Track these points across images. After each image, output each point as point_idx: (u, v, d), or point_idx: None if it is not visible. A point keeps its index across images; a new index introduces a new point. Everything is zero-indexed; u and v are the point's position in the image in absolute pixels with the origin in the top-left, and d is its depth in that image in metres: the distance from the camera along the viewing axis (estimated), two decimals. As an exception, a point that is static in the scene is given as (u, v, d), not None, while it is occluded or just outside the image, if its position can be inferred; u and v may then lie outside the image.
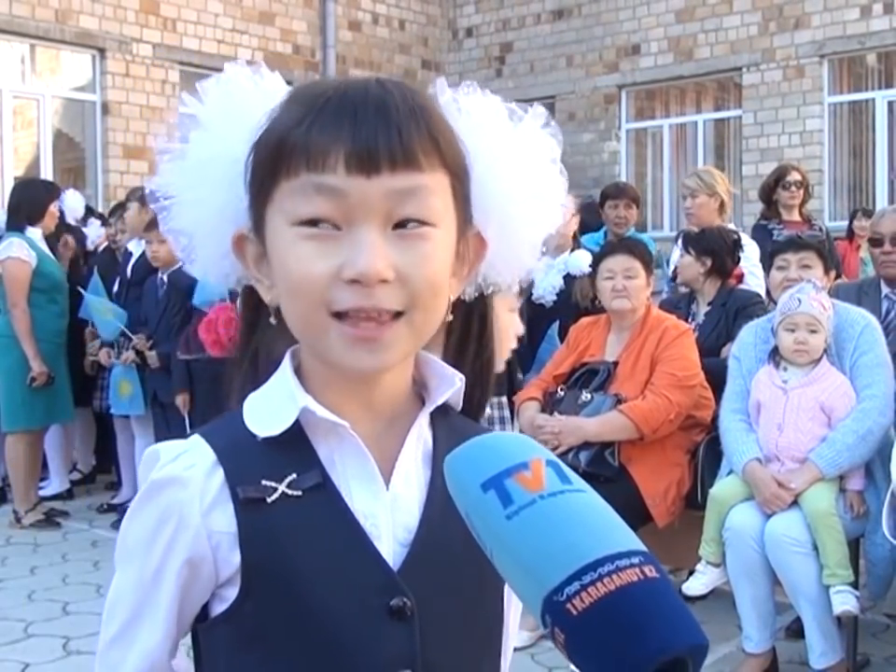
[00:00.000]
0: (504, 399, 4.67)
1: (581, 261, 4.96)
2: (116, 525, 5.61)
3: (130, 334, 5.79)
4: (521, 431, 4.22)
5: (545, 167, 0.99)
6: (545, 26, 13.54)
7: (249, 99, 0.94)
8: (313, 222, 0.86)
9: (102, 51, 10.95)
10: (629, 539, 0.66)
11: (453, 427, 0.99)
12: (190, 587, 0.91)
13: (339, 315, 0.87)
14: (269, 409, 0.93)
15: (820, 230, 6.07)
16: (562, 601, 0.62)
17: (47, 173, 10.66)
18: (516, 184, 0.97)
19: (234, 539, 0.89)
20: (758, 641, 3.55)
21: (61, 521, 5.98)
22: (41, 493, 6.28)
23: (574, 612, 0.62)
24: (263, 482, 0.89)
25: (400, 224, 0.87)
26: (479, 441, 0.75)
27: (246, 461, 0.91)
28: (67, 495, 6.58)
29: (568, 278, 5.01)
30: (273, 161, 0.88)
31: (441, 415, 0.99)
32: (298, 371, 0.95)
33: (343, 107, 0.86)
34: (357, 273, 0.84)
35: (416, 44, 14.04)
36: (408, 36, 13.94)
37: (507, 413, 4.59)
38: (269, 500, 0.89)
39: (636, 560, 0.64)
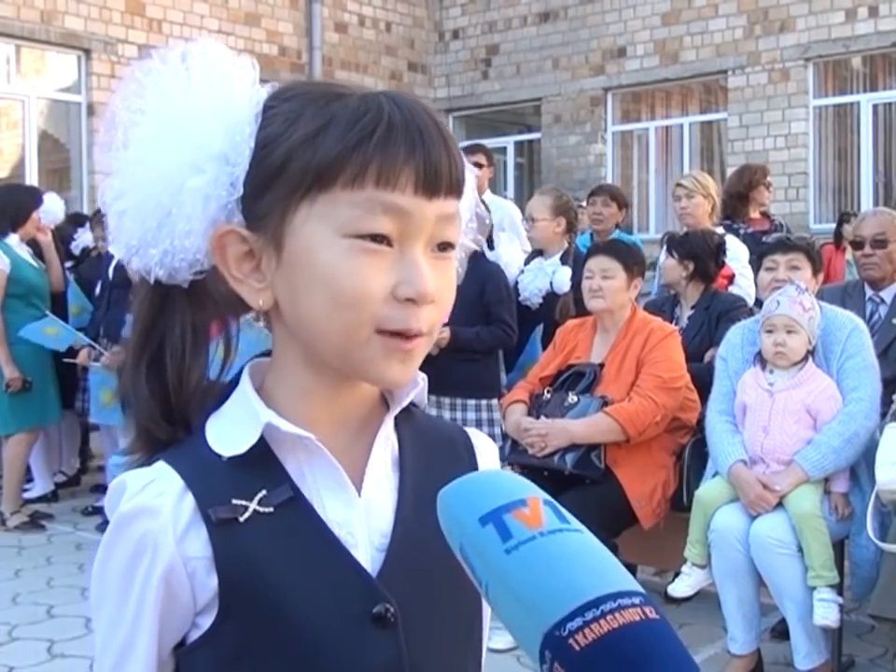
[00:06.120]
0: (494, 401, 4.67)
1: (563, 279, 4.96)
2: (101, 528, 5.58)
3: (93, 344, 5.93)
4: (507, 433, 4.22)
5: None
6: (531, 28, 13.56)
7: (224, 81, 0.90)
8: (374, 237, 0.85)
9: (87, 52, 10.91)
10: (628, 580, 0.66)
11: (417, 427, 1.00)
12: (170, 617, 0.89)
13: (381, 332, 0.87)
14: (231, 428, 0.92)
15: (781, 226, 6.15)
16: (564, 636, 0.63)
17: (32, 174, 10.62)
18: None
19: (210, 562, 0.88)
20: (743, 642, 3.56)
21: (45, 523, 5.95)
22: (25, 495, 6.26)
23: (577, 648, 0.62)
24: (234, 501, 0.88)
25: (439, 246, 0.89)
26: (474, 476, 0.75)
27: (215, 483, 0.90)
28: (52, 497, 6.55)
29: (551, 294, 5.01)
30: (325, 168, 0.85)
31: (405, 417, 0.99)
32: (259, 387, 0.94)
33: (410, 127, 0.85)
34: (416, 293, 0.85)
35: (403, 46, 14.04)
36: (394, 38, 13.94)
37: (496, 414, 4.60)
38: (241, 520, 0.88)
39: (637, 600, 0.64)
